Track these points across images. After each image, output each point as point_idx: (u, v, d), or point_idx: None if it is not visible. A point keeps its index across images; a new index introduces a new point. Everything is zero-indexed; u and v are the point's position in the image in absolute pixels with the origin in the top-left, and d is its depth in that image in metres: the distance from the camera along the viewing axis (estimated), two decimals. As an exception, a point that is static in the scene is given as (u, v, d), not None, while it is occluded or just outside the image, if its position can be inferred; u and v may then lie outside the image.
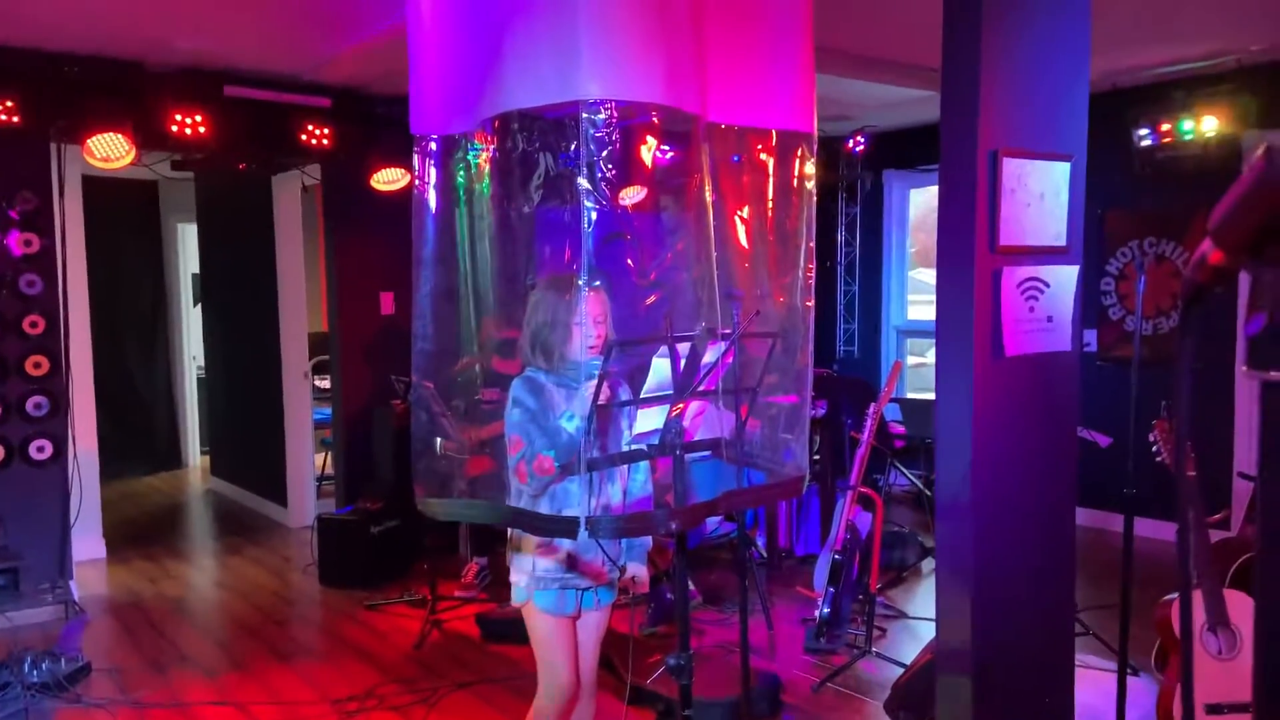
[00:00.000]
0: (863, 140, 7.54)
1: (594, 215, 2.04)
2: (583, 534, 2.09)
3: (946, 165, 2.86)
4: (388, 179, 6.02)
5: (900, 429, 7.17)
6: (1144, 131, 5.98)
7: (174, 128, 5.30)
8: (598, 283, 2.66)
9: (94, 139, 4.96)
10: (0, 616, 4.94)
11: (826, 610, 4.55)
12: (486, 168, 2.47)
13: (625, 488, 2.83)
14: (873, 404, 4.65)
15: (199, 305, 9.34)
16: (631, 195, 4.13)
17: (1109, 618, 4.37)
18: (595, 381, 2.28)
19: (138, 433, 9.47)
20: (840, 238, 8.44)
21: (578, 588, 2.84)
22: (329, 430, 7.34)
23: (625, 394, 2.69)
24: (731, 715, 3.81)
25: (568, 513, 2.62)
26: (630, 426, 2.69)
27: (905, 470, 7.03)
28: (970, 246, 2.77)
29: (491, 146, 2.44)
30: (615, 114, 2.03)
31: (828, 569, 4.56)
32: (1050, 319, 2.93)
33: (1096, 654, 4.37)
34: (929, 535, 6.03)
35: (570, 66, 2.01)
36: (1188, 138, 5.81)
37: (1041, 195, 2.88)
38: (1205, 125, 5.74)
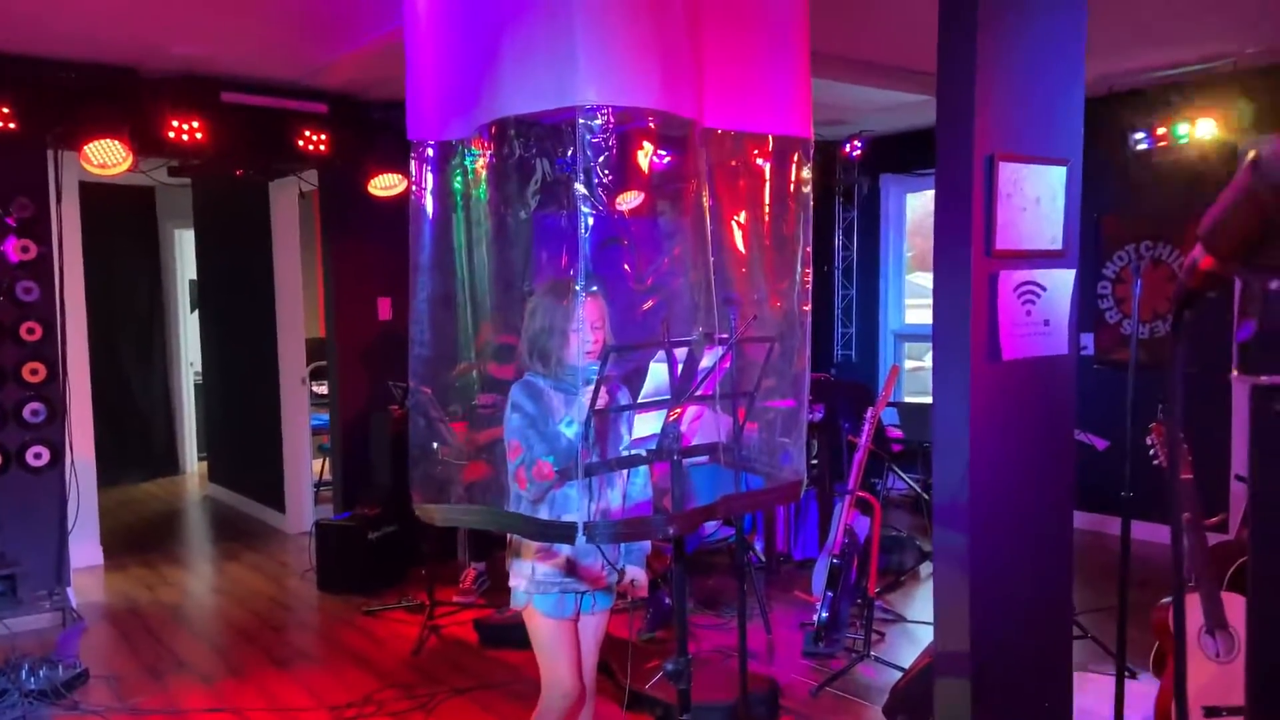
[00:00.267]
0: (859, 144, 7.55)
1: (591, 220, 2.04)
2: (581, 539, 2.09)
3: (943, 169, 2.86)
4: (385, 184, 6.03)
5: (898, 433, 7.17)
6: (1140, 135, 5.99)
7: (171, 134, 5.31)
8: (595, 288, 2.66)
9: (91, 145, 4.96)
10: (-3, 623, 4.94)
11: (825, 614, 4.55)
12: (483, 173, 2.47)
13: (625, 492, 2.84)
14: (870, 408, 4.65)
15: (196, 311, 9.34)
16: (628, 200, 4.13)
17: (1107, 620, 4.37)
18: (593, 386, 2.29)
19: (135, 439, 9.46)
20: (837, 242, 8.46)
21: (577, 592, 2.84)
22: (326, 436, 7.33)
23: (625, 399, 2.69)
24: (730, 720, 3.81)
25: (567, 518, 2.62)
26: (629, 431, 2.70)
27: (903, 474, 7.04)
28: (967, 250, 2.77)
29: (488, 152, 2.44)
30: (612, 119, 2.03)
31: (826, 573, 4.56)
32: (1047, 323, 2.93)
33: (1095, 657, 4.38)
34: (927, 539, 6.03)
35: (567, 72, 2.01)
36: (1183, 141, 5.82)
37: (1038, 199, 2.88)
38: (1201, 129, 5.75)
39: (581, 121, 2.01)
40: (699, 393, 2.29)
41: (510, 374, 2.78)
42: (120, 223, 9.07)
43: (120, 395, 9.26)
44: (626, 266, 2.74)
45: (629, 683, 4.02)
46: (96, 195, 7.02)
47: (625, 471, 2.80)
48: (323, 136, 5.79)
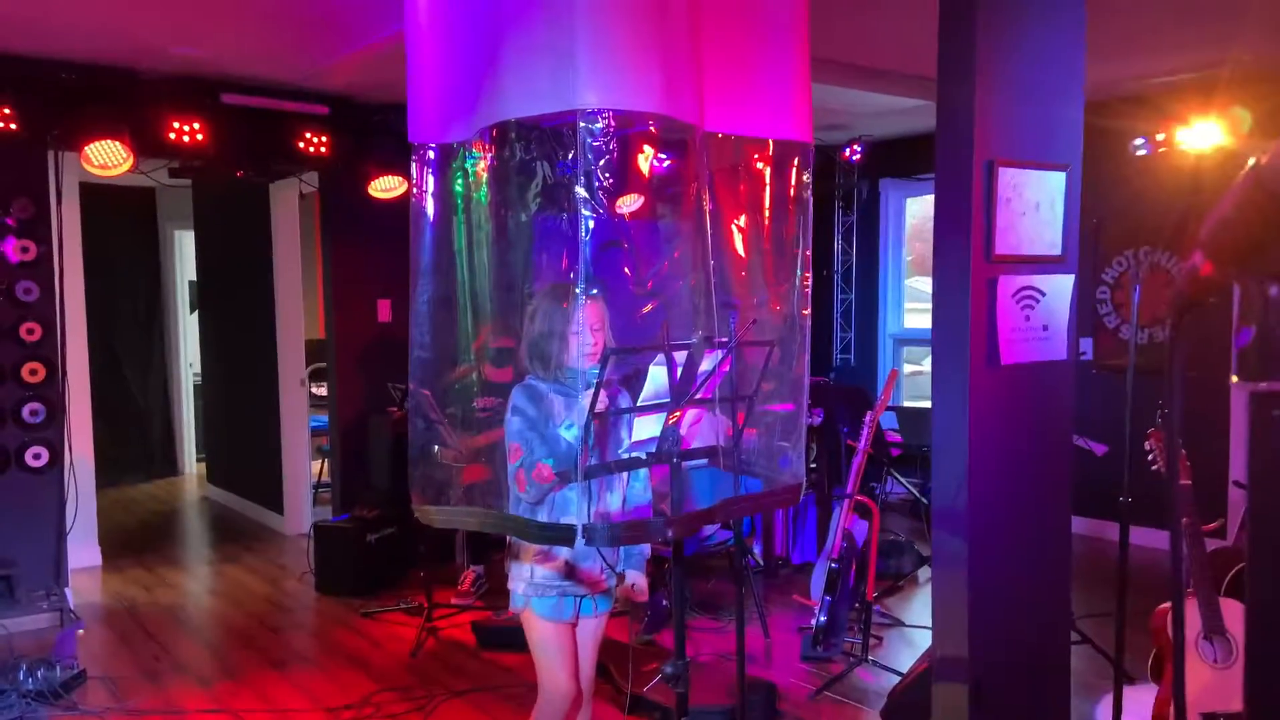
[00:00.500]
0: (859, 149, 7.56)
1: (591, 224, 2.05)
2: (579, 541, 2.10)
3: (942, 174, 2.87)
4: (385, 187, 6.03)
5: (897, 437, 7.18)
6: (1139, 141, 6.00)
7: (172, 135, 5.31)
8: (595, 291, 2.67)
9: (92, 146, 4.96)
10: (-5, 624, 4.93)
11: (823, 618, 4.55)
12: (484, 176, 2.47)
13: (624, 495, 2.84)
14: (869, 412, 4.65)
15: (196, 312, 9.34)
16: (628, 204, 4.14)
17: (1105, 626, 4.37)
18: (593, 389, 2.29)
19: (134, 440, 9.46)
20: (837, 246, 8.46)
21: (575, 595, 2.84)
22: (325, 438, 7.33)
23: (624, 402, 2.70)
24: (728, 723, 3.81)
25: (566, 520, 2.63)
26: (629, 434, 2.70)
27: (902, 478, 7.04)
28: (966, 255, 2.78)
29: (489, 155, 2.45)
30: (613, 123, 2.04)
31: (824, 577, 4.56)
32: (1046, 328, 2.94)
33: (1093, 662, 4.37)
34: (925, 543, 6.03)
35: (568, 76, 2.02)
36: (1183, 147, 5.82)
37: (1037, 204, 2.89)
38: (1200, 135, 5.75)
39: (582, 125, 2.02)
40: (698, 396, 2.29)
41: (509, 377, 2.79)
42: (120, 224, 9.07)
43: (119, 396, 9.26)
44: (626, 270, 2.75)
45: (629, 687, 4.02)
46: (97, 196, 7.02)
47: (625, 474, 2.80)
48: (323, 138, 5.79)
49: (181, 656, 4.86)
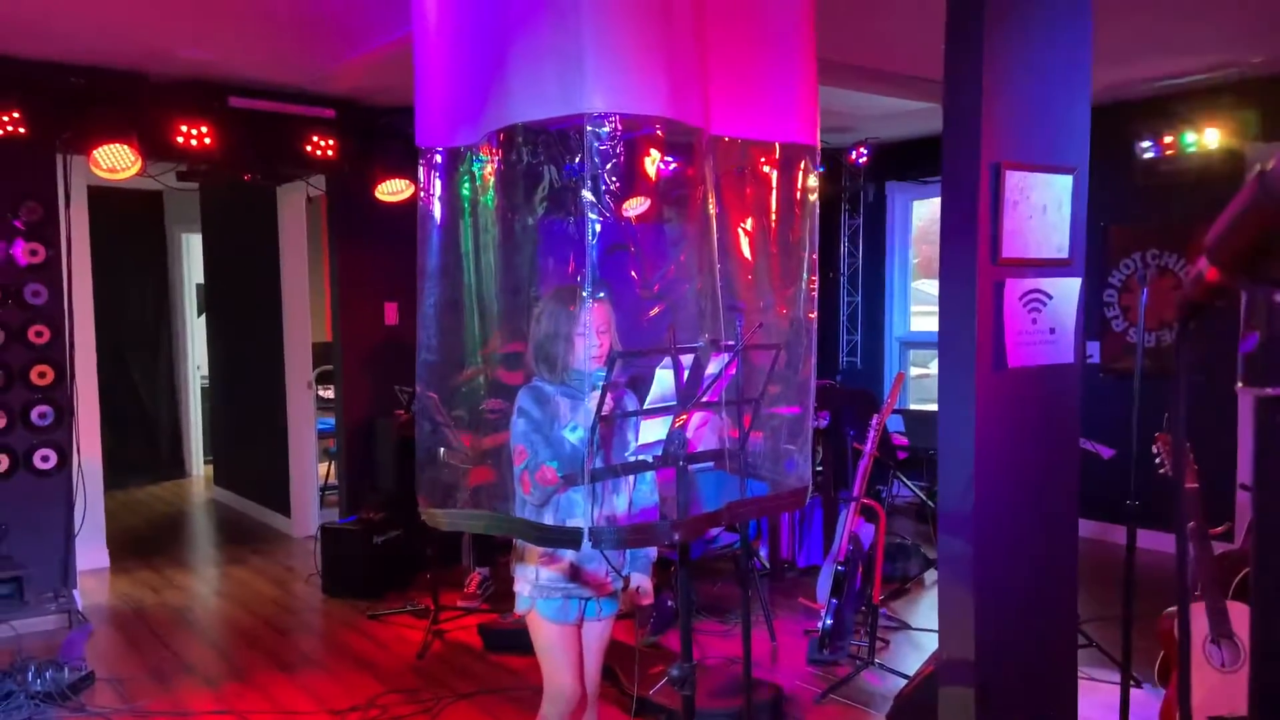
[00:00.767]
0: (865, 152, 7.55)
1: (598, 227, 2.05)
2: (586, 544, 2.10)
3: (949, 177, 2.87)
4: (392, 190, 6.04)
5: (903, 440, 7.17)
6: (1146, 144, 6.00)
7: (179, 139, 5.33)
8: (602, 294, 2.67)
9: (100, 150, 4.98)
10: (4, 625, 4.94)
11: (829, 621, 4.54)
12: (491, 180, 2.48)
13: (630, 498, 2.84)
14: (875, 415, 4.65)
15: (203, 315, 9.37)
16: (635, 207, 4.15)
17: (1112, 629, 4.36)
18: (599, 392, 2.29)
19: (141, 442, 9.49)
20: (843, 249, 8.46)
21: (580, 597, 2.85)
22: (332, 440, 7.35)
23: (630, 404, 2.70)
24: (734, 726, 3.80)
25: (572, 523, 2.63)
26: (635, 437, 2.70)
27: (908, 481, 7.03)
28: (972, 258, 2.78)
29: (496, 159, 2.45)
30: (619, 127, 2.04)
31: (830, 580, 4.56)
32: (1053, 331, 2.93)
33: (1100, 666, 4.37)
34: (931, 546, 6.03)
35: (574, 80, 2.02)
36: (1190, 150, 5.82)
37: (1044, 208, 2.89)
38: (1207, 137, 5.75)
39: (589, 129, 2.02)
40: (705, 399, 2.30)
41: (519, 380, 2.79)
42: (128, 227, 9.11)
43: (127, 399, 9.30)
44: (633, 273, 2.75)
45: (635, 690, 4.01)
46: (105, 199, 7.05)
47: (631, 477, 2.80)
48: (330, 142, 5.81)
49: (189, 658, 4.88)
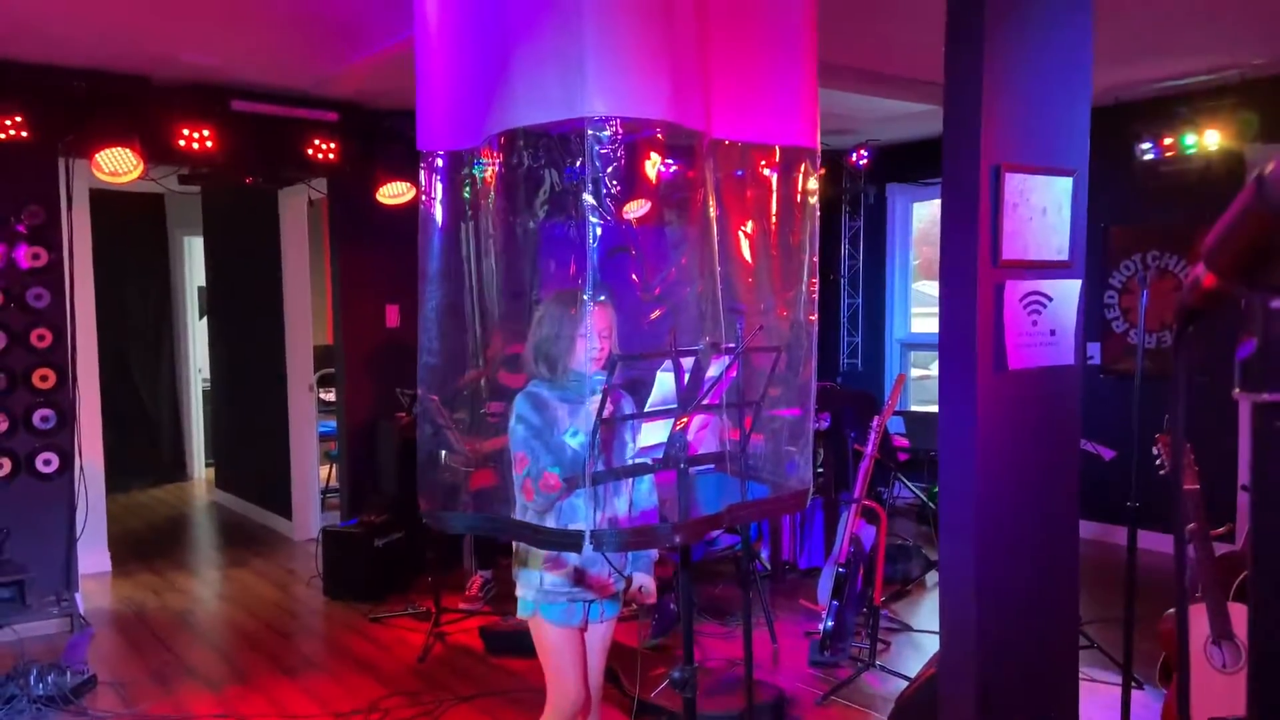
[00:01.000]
0: (866, 154, 7.56)
1: (599, 230, 2.06)
2: (588, 547, 2.10)
3: (949, 179, 2.87)
4: (393, 193, 6.05)
5: (904, 442, 7.17)
6: (1146, 145, 5.99)
7: (181, 142, 5.34)
8: (603, 297, 2.68)
9: (102, 153, 4.98)
10: (6, 629, 4.94)
11: (830, 623, 4.54)
12: (492, 183, 2.49)
13: (631, 500, 2.84)
14: (876, 417, 4.65)
15: (205, 318, 9.38)
16: (636, 210, 4.16)
17: (1113, 631, 4.37)
18: (599, 396, 2.30)
19: (143, 445, 9.49)
20: (843, 251, 8.46)
21: (584, 600, 2.85)
22: (334, 443, 7.35)
23: (629, 408, 2.70)
24: (735, 728, 3.80)
25: (574, 526, 2.63)
26: (634, 440, 2.70)
27: (909, 483, 7.03)
28: (973, 260, 2.78)
29: (497, 162, 2.46)
30: (620, 130, 2.05)
31: (831, 582, 4.56)
32: (1053, 333, 2.94)
33: (1101, 667, 4.37)
34: (932, 548, 6.03)
35: (576, 83, 2.03)
36: (1190, 151, 5.82)
37: (1044, 209, 2.89)
38: (1208, 139, 5.75)
39: (590, 132, 2.03)
40: (705, 402, 2.30)
41: (520, 382, 2.79)
42: (130, 230, 9.11)
43: (129, 402, 9.30)
44: (634, 276, 2.76)
45: (637, 692, 4.02)
46: (107, 203, 7.05)
47: (631, 480, 2.80)
48: (332, 145, 5.82)
49: (190, 661, 4.88)
